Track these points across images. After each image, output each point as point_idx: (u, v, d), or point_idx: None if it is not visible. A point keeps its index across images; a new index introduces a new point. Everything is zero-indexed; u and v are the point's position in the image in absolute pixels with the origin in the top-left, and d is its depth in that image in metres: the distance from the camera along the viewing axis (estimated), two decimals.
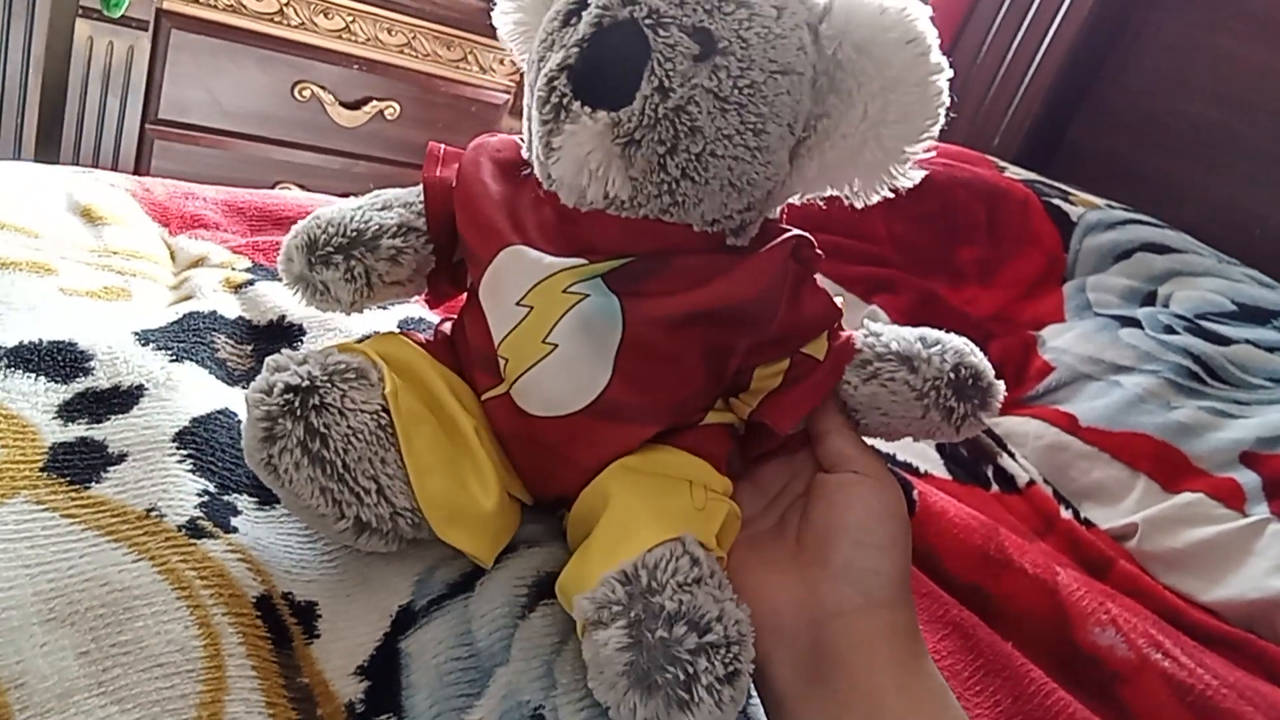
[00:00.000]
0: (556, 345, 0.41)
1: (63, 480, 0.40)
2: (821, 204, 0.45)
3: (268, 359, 0.42)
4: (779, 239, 0.43)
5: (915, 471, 0.74)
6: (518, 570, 0.44)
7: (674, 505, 0.41)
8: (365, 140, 1.62)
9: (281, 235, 0.67)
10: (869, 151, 0.40)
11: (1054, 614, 0.58)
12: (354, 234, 0.45)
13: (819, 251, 0.45)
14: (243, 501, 0.43)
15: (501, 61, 1.69)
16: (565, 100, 0.38)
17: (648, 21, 0.37)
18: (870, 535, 0.41)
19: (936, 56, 0.39)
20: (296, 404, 0.40)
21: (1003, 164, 1.11)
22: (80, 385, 0.45)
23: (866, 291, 0.91)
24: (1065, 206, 1.01)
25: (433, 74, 1.67)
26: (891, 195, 0.42)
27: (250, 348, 0.53)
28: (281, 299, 0.57)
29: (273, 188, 1.55)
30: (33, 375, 0.44)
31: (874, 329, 0.46)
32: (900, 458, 0.75)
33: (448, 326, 0.50)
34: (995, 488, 0.76)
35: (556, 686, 0.39)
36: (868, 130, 0.40)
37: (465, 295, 0.48)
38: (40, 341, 0.46)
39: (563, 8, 0.40)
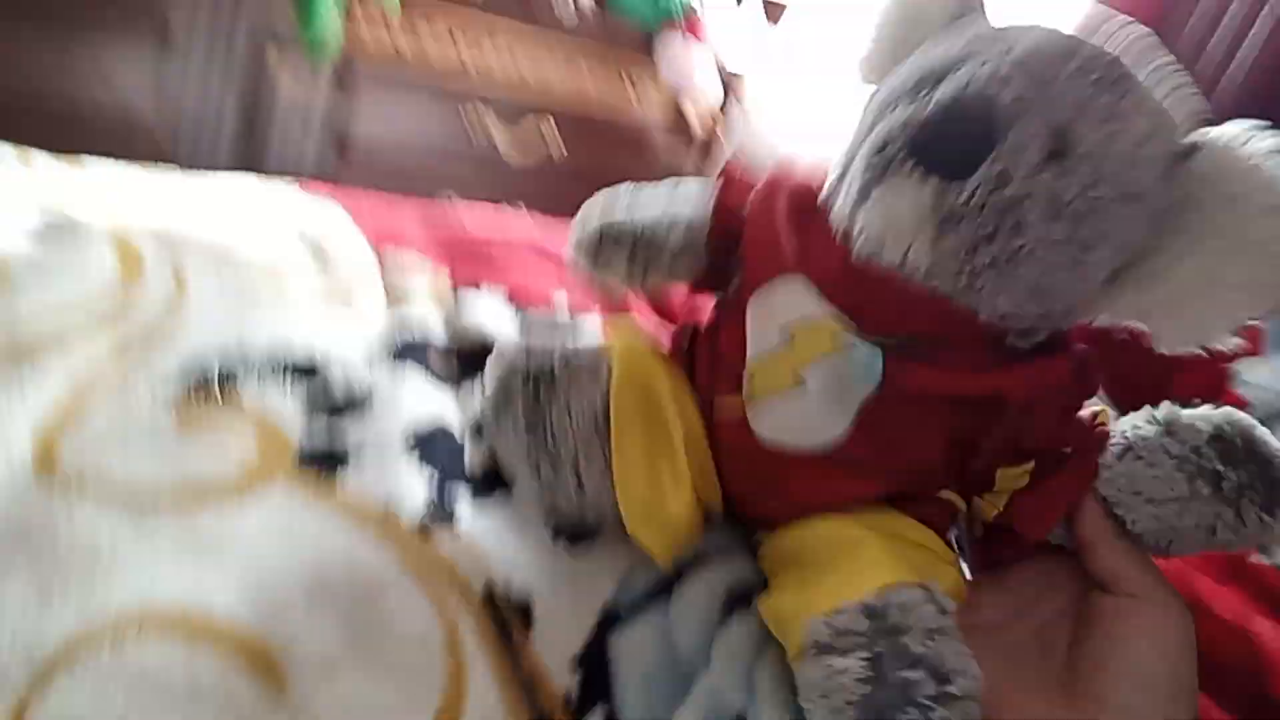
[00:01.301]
0: (805, 382, 0.42)
1: (313, 472, 0.44)
2: None
3: (522, 331, 0.47)
4: (1065, 351, 0.41)
5: None
6: (714, 579, 0.46)
7: (916, 555, 0.41)
8: (532, 177, 1.68)
9: (474, 249, 0.72)
10: (1196, 306, 0.37)
11: (1250, 665, 0.55)
12: (642, 242, 0.50)
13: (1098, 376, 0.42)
14: (462, 501, 0.46)
15: (656, 86, 1.73)
16: (899, 156, 0.37)
17: (1011, 106, 0.36)
18: (1156, 679, 0.36)
19: None
20: (531, 381, 0.46)
21: None
22: (320, 386, 0.49)
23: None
24: None
25: (591, 94, 1.71)
26: (1202, 353, 0.38)
27: (455, 359, 0.57)
28: (481, 314, 0.61)
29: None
30: (279, 375, 0.49)
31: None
32: None
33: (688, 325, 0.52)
34: None
35: (756, 695, 0.41)
36: (1203, 286, 0.36)
37: (720, 301, 0.51)
38: (284, 345, 0.50)
39: (914, 74, 0.40)
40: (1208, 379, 0.81)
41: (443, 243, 0.72)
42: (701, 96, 1.67)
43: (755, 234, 0.47)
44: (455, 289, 0.63)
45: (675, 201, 0.52)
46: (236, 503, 0.41)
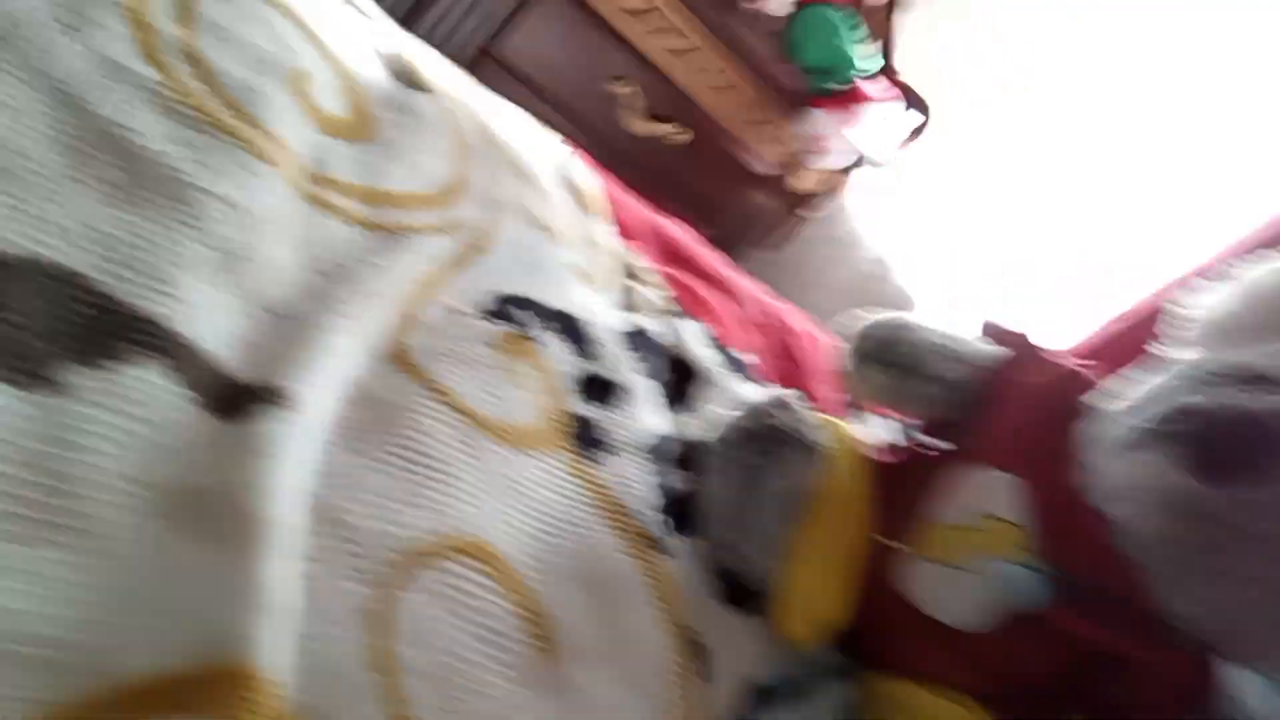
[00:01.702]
0: (967, 569, 0.47)
1: (582, 451, 0.47)
2: None
3: (771, 395, 0.52)
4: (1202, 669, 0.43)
5: None
6: (837, 699, 0.50)
7: None
8: (634, 156, 1.70)
9: (681, 272, 0.75)
10: None
11: None
12: (914, 364, 0.54)
13: None
14: (671, 524, 0.50)
15: (783, 140, 1.77)
16: (1180, 434, 0.38)
17: None
18: None
19: None
20: (762, 437, 0.50)
21: None
22: (591, 368, 0.52)
23: None
24: None
25: (727, 124, 1.75)
26: None
27: (675, 377, 0.61)
28: (692, 342, 0.65)
29: None
30: (561, 340, 0.52)
31: None
32: None
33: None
34: None
35: None
36: None
37: (937, 447, 0.54)
38: (567, 314, 0.54)
39: (1254, 363, 0.40)
40: None
41: (660, 254, 0.74)
42: (820, 170, 1.72)
43: (1004, 412, 0.51)
44: (678, 314, 0.66)
45: (962, 341, 0.55)
46: (523, 451, 0.44)
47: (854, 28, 1.62)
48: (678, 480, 0.52)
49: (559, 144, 0.72)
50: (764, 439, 0.50)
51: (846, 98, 1.71)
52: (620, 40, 1.62)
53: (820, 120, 1.68)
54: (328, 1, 0.54)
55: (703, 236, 0.92)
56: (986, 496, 0.48)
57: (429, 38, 1.53)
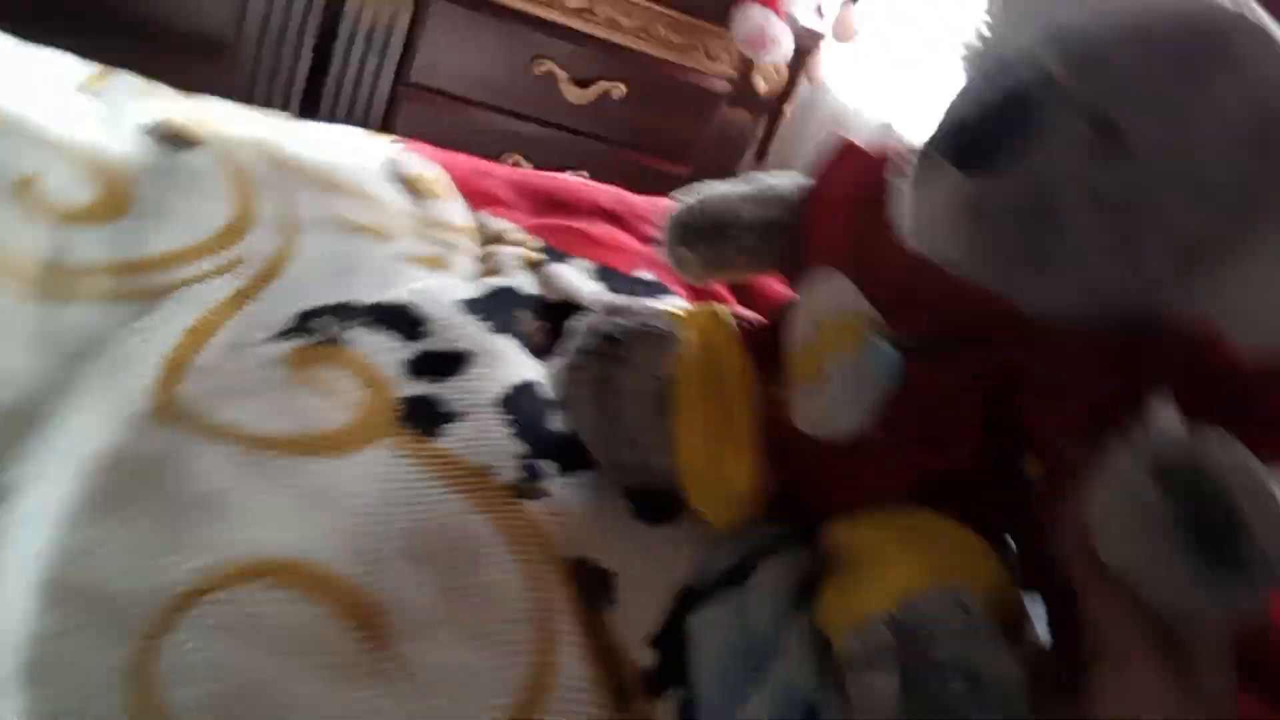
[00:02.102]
0: (830, 376, 0.43)
1: (415, 430, 0.46)
2: None
3: (607, 304, 0.49)
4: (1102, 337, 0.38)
5: None
6: (786, 567, 0.47)
7: (947, 555, 0.40)
8: (590, 119, 1.68)
9: (562, 218, 0.73)
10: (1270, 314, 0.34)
11: None
12: (718, 223, 0.50)
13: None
14: (550, 468, 0.48)
15: (728, 50, 1.71)
16: (939, 151, 0.36)
17: (1048, 97, 0.34)
18: None
19: None
20: (602, 350, 0.47)
21: None
22: (421, 346, 0.51)
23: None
24: None
25: (663, 58, 1.70)
26: None
27: (546, 324, 0.58)
28: (571, 280, 0.62)
29: (498, 158, 1.63)
30: (384, 331, 0.50)
31: None
32: None
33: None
34: None
35: (827, 685, 0.42)
36: None
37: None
38: (387, 303, 0.52)
39: (980, 56, 0.39)
40: None
41: (534, 210, 0.72)
42: (773, 64, 1.65)
43: (815, 218, 0.47)
44: (547, 259, 0.64)
45: (765, 183, 0.51)
46: (343, 455, 0.43)
47: None
48: (547, 421, 0.50)
49: (388, 144, 0.70)
50: (607, 348, 0.47)
51: None
52: (523, 20, 1.60)
53: (753, 13, 1.61)
54: (59, 99, 0.55)
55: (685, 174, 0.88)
56: (820, 300, 0.45)
57: (334, 108, 1.55)
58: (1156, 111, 0.33)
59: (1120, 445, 0.33)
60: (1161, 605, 0.32)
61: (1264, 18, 0.35)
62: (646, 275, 0.68)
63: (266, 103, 1.32)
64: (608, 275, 0.66)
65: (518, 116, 1.65)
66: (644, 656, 0.42)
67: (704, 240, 0.50)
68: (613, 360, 0.47)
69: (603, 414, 0.47)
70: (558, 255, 0.66)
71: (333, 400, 0.45)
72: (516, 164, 1.61)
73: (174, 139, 0.56)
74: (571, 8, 1.61)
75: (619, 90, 1.69)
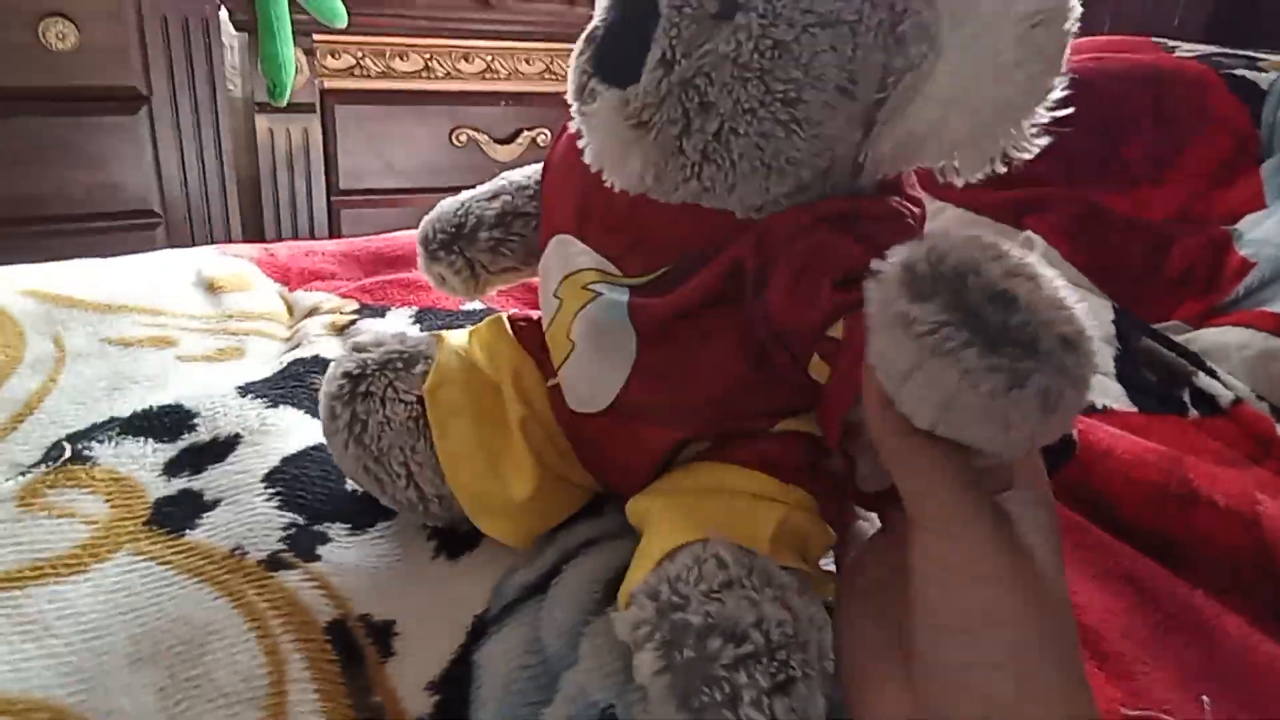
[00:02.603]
0: (574, 343, 0.40)
1: (163, 531, 0.43)
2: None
3: (352, 343, 0.46)
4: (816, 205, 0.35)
5: (1092, 409, 0.65)
6: (592, 567, 0.43)
7: (704, 507, 0.37)
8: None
9: (392, 274, 0.71)
10: (961, 114, 0.31)
11: (1255, 552, 0.49)
12: (454, 228, 0.47)
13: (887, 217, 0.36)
14: (335, 529, 0.45)
15: None
16: (586, 78, 0.35)
17: None
18: (951, 619, 0.29)
19: None
20: (348, 390, 0.44)
21: (1171, 44, 0.97)
22: (185, 442, 0.49)
23: (1016, 216, 0.81)
24: (1251, 75, 0.85)
25: None
26: (1003, 170, 0.32)
27: None
28: (383, 331, 0.60)
29: None
30: (143, 439, 0.48)
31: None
32: None
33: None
34: (1194, 413, 0.66)
35: (629, 685, 0.38)
36: (958, 89, 0.31)
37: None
38: (151, 408, 0.50)
39: None
40: (1203, 247, 0.73)
41: (363, 273, 0.71)
42: None
43: (546, 188, 0.45)
44: (358, 317, 0.62)
45: (501, 178, 0.49)
46: (73, 577, 0.40)
47: None
48: (334, 483, 0.47)
49: (202, 253, 0.70)
50: (351, 386, 0.44)
51: None
52: (429, 98, 1.62)
53: None
54: None
55: None
56: (554, 269, 0.42)
57: (279, 235, 1.58)
58: None
59: (870, 285, 0.29)
60: (968, 437, 0.28)
61: None
62: (476, 305, 0.65)
63: None
64: (426, 316, 0.63)
65: (455, 190, 1.67)
66: (420, 704, 0.38)
67: (447, 250, 0.48)
68: (361, 397, 0.44)
69: (366, 454, 0.44)
70: (375, 311, 0.64)
71: (69, 523, 0.43)
72: None
73: None
74: (472, 72, 1.63)
75: (543, 135, 1.69)
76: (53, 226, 1.35)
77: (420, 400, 0.44)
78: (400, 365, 0.45)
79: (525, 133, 1.69)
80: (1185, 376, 0.68)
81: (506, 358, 0.46)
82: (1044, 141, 0.32)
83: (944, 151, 0.33)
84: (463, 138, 1.66)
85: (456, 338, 0.47)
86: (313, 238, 1.63)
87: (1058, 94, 0.31)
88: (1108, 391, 0.68)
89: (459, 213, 0.48)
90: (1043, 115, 0.31)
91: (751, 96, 0.33)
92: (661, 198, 0.36)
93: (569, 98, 0.37)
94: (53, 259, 0.64)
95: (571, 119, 0.45)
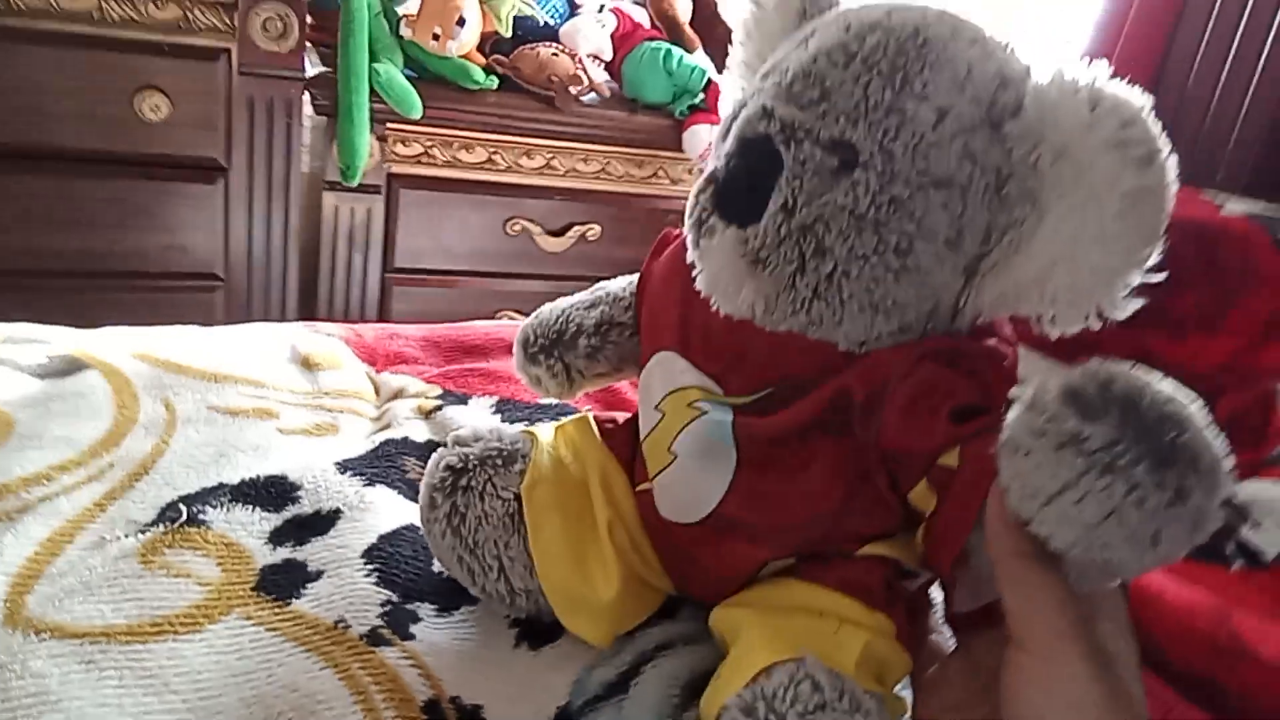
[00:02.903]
0: (676, 456, 0.43)
1: (269, 598, 0.46)
2: None
3: (454, 436, 0.49)
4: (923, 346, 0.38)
5: None
6: (671, 671, 0.45)
7: (795, 625, 0.39)
8: (572, 262, 1.74)
9: (470, 362, 0.75)
10: (1063, 273, 0.34)
11: None
12: (555, 334, 0.51)
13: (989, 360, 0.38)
14: (424, 609, 0.47)
15: (690, 172, 1.76)
16: (705, 215, 0.38)
17: (780, 137, 0.36)
18: None
19: (1156, 163, 0.32)
20: (450, 482, 0.46)
21: (1220, 199, 1.01)
22: (290, 513, 0.51)
23: (1070, 355, 0.84)
24: None
25: (628, 193, 1.76)
26: (1097, 326, 0.35)
27: None
28: (465, 419, 0.63)
29: (493, 316, 1.68)
30: (251, 507, 0.51)
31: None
32: None
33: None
34: (1239, 564, 0.67)
35: None
36: (1061, 249, 0.34)
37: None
38: (259, 477, 0.53)
39: (727, 118, 0.40)
40: (1249, 402, 0.76)
41: (444, 360, 0.75)
42: None
43: (645, 307, 0.48)
44: (442, 403, 0.65)
45: (599, 288, 0.52)
46: (188, 635, 0.43)
47: (670, 51, 1.65)
48: (424, 564, 0.50)
49: (293, 329, 0.74)
50: (452, 480, 0.47)
51: (712, 101, 1.72)
52: (489, 189, 1.68)
53: (701, 132, 1.67)
54: None
55: None
56: (657, 383, 0.44)
57: (330, 309, 1.63)
58: (876, 120, 0.36)
59: (1017, 405, 0.31)
60: (1108, 555, 0.29)
61: (947, 7, 0.38)
62: (552, 399, 0.68)
63: (264, 319, 1.39)
64: (506, 407, 0.66)
65: (503, 276, 1.72)
66: None
67: (547, 354, 0.51)
68: (461, 490, 0.47)
69: (461, 545, 0.46)
70: (458, 399, 0.67)
71: (184, 582, 0.45)
72: (510, 319, 1.66)
73: (64, 369, 0.59)
74: (532, 168, 1.69)
75: (593, 230, 1.75)
76: (125, 282, 1.40)
77: (517, 497, 0.46)
78: (500, 462, 0.47)
79: (576, 227, 1.75)
80: (1230, 528, 0.69)
81: (594, 458, 0.49)
82: (1138, 303, 0.34)
83: (1043, 305, 0.35)
84: (516, 227, 1.72)
85: (545, 434, 0.50)
86: (363, 310, 1.68)
87: (1131, 308, 0.34)
88: None
89: (559, 320, 0.51)
90: (1137, 278, 0.34)
91: (865, 245, 0.35)
92: (768, 327, 0.39)
93: (685, 229, 0.41)
94: (120, 313, 0.67)
95: (669, 233, 0.49)
